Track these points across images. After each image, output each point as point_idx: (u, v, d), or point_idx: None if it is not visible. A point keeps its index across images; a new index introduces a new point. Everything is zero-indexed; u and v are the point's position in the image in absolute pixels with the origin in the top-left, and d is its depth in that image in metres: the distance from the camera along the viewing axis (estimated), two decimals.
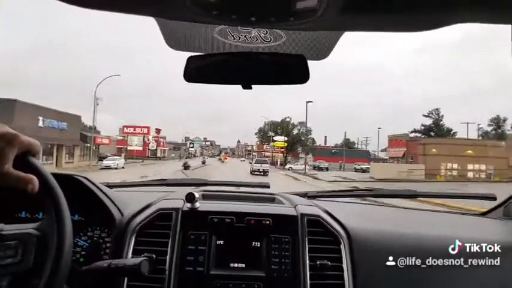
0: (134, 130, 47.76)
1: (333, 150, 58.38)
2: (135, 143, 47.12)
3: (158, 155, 54.59)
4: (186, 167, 23.32)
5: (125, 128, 47.96)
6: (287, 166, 41.14)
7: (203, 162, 41.08)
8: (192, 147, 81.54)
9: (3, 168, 0.50)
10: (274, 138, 46.87)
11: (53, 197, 0.56)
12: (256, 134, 55.35)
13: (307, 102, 33.33)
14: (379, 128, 48.96)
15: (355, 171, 44.05)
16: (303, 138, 50.08)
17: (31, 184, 0.52)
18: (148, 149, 53.26)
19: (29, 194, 0.52)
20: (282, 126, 51.42)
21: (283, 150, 47.78)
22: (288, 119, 52.50)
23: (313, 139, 53.38)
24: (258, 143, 76.90)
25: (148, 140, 53.13)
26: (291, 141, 48.68)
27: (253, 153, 57.16)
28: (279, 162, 47.82)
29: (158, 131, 55.35)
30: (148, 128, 48.53)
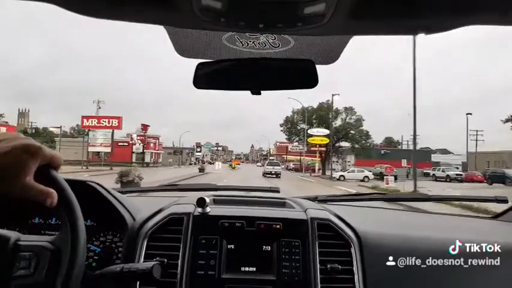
0: (98, 123, 32.91)
1: (383, 151, 43.34)
2: (99, 141, 32.75)
3: (147, 160, 40.84)
4: (123, 182, 9.07)
5: (85, 120, 33.29)
6: (336, 174, 25.94)
7: (201, 170, 27.20)
8: (200, 151, 69.35)
9: (25, 180, 0.50)
10: (309, 131, 31.42)
11: (70, 213, 0.58)
12: (282, 126, 38.63)
13: (416, 34, 14.06)
14: (469, 114, 32.74)
15: (435, 180, 29.13)
16: (352, 132, 33.42)
17: (50, 198, 0.53)
18: (133, 152, 39.75)
19: (47, 207, 0.53)
20: (319, 114, 34.94)
21: (322, 149, 32.23)
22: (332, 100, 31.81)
23: (367, 133, 35.03)
24: (277, 144, 62.44)
25: (131, 139, 39.47)
26: (333, 135, 31.81)
27: (271, 158, 42.11)
28: (317, 168, 32.57)
29: (145, 127, 41.11)
30: (119, 118, 33.13)
